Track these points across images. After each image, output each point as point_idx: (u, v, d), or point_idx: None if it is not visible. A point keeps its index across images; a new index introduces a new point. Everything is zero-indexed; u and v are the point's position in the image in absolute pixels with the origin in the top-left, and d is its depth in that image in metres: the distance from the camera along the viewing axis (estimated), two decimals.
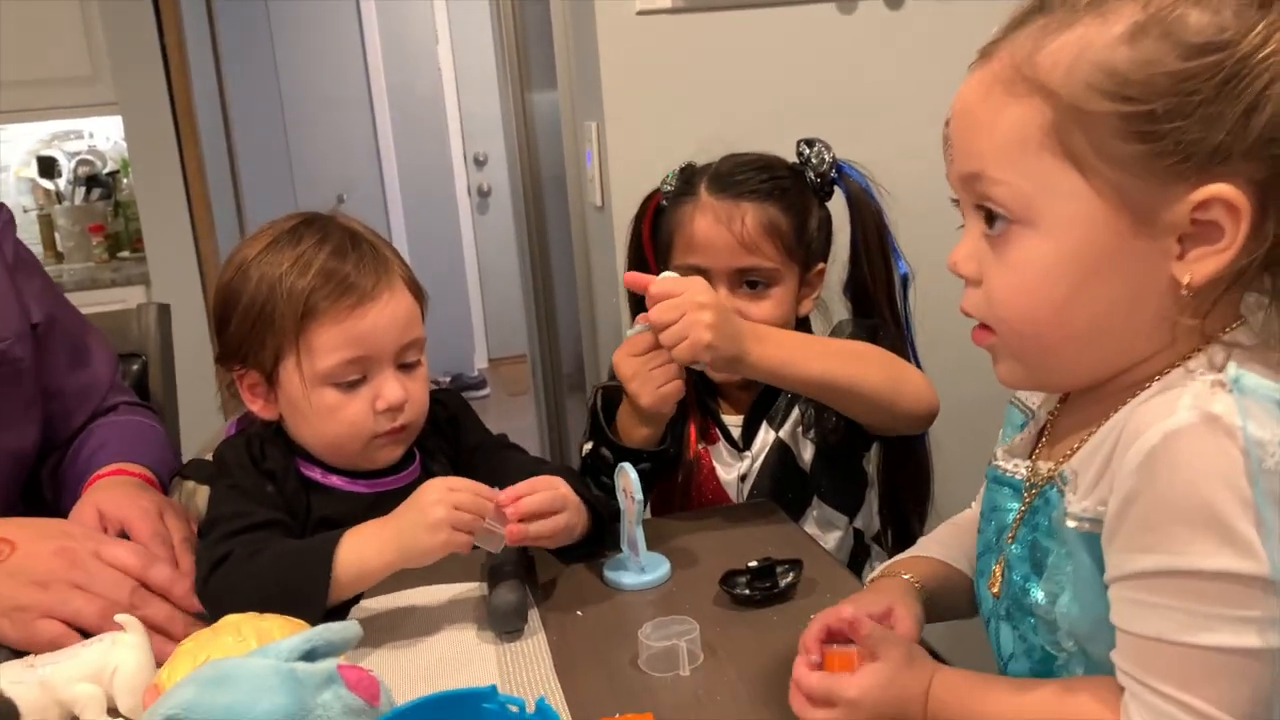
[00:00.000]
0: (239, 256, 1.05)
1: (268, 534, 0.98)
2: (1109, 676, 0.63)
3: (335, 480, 1.07)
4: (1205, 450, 0.56)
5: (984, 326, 0.70)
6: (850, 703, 0.70)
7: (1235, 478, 0.55)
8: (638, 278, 1.08)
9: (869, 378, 1.11)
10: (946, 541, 0.90)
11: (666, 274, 1.09)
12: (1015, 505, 0.74)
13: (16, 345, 1.14)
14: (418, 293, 1.09)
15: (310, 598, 0.91)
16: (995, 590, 0.74)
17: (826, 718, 0.71)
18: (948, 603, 0.85)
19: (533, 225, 2.82)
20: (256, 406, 1.07)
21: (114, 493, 1.05)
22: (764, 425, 1.28)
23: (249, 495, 1.03)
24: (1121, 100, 0.59)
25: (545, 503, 0.96)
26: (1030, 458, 0.75)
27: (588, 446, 1.21)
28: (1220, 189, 0.59)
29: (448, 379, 5.17)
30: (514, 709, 0.50)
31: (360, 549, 0.93)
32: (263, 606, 0.84)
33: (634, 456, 1.15)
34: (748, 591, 0.95)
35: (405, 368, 1.06)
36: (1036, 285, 0.65)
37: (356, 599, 0.98)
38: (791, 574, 0.96)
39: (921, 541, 0.92)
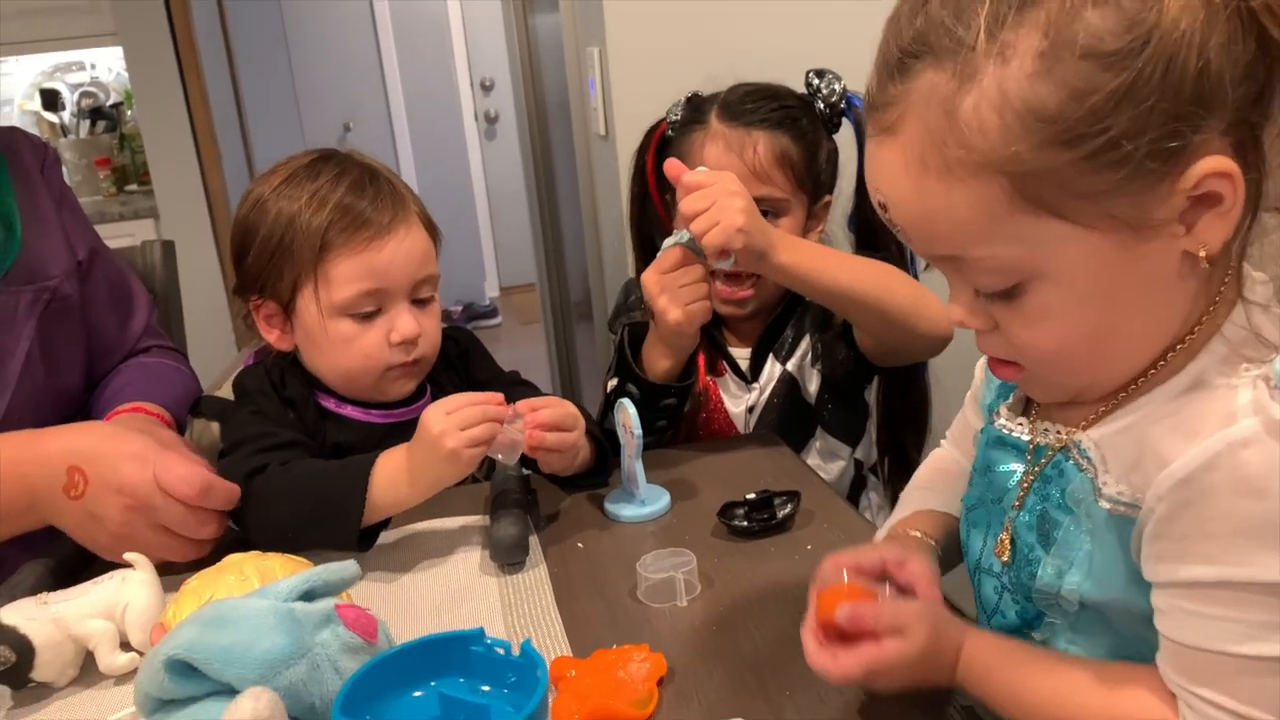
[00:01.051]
0: (256, 192, 1.07)
1: (296, 452, 1.01)
2: (1155, 670, 0.61)
3: (349, 410, 1.10)
4: (1273, 461, 0.54)
5: (1004, 362, 0.66)
6: (875, 675, 0.67)
7: None
8: (676, 164, 1.06)
9: (895, 294, 1.10)
10: (938, 489, 0.88)
11: (701, 169, 1.07)
12: (1018, 467, 0.72)
13: (67, 283, 1.15)
14: (432, 231, 1.10)
15: (347, 515, 0.93)
16: (1005, 559, 0.72)
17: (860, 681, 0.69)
18: (954, 553, 0.83)
19: (538, 154, 2.79)
20: (273, 337, 1.09)
21: (129, 427, 1.07)
22: (770, 358, 1.28)
23: (271, 419, 1.06)
24: (1074, 143, 0.54)
25: (559, 418, 0.98)
26: (1028, 416, 0.73)
27: (612, 383, 1.21)
28: (1206, 165, 0.55)
29: (459, 308, 5.18)
30: (500, 651, 0.51)
31: (393, 476, 0.95)
32: (299, 519, 0.88)
33: (660, 391, 1.16)
34: (745, 523, 0.96)
35: (419, 303, 1.08)
36: (1063, 327, 0.61)
37: (386, 523, 1.00)
38: (789, 505, 0.97)
39: (911, 492, 0.90)
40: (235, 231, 1.08)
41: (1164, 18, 0.52)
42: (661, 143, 1.33)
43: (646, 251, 1.44)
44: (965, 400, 0.88)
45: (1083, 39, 0.53)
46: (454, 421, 0.92)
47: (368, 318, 1.04)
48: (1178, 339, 0.62)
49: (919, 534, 0.81)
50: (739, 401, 1.30)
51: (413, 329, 1.05)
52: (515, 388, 1.17)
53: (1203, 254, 0.57)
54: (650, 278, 1.09)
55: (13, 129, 1.22)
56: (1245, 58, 0.54)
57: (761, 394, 1.28)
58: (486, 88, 5.24)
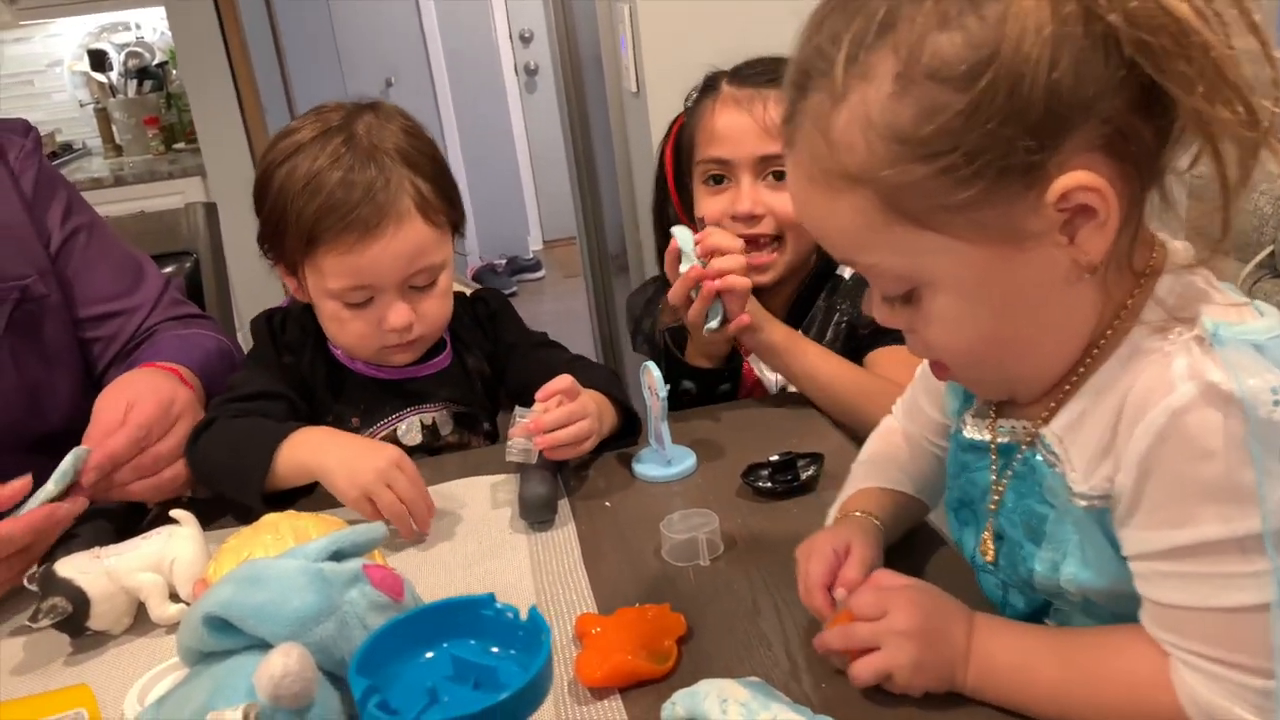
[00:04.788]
0: (280, 146, 1.06)
1: (259, 404, 1.04)
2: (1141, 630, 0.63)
3: (359, 365, 1.12)
4: (1213, 423, 0.56)
5: (936, 361, 0.70)
6: (901, 634, 0.67)
7: (1242, 443, 0.55)
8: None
9: (863, 412, 1.09)
10: (879, 464, 0.88)
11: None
12: (986, 464, 0.74)
13: (39, 282, 1.13)
14: (439, 216, 1.06)
15: (248, 481, 0.97)
16: (990, 558, 0.74)
17: (875, 666, 0.68)
18: (899, 528, 0.85)
19: (574, 108, 2.78)
20: (292, 286, 1.12)
21: (136, 377, 1.07)
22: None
23: (264, 365, 1.09)
24: (929, 159, 0.57)
25: (563, 417, 0.98)
26: (990, 418, 0.74)
27: (667, 388, 1.21)
28: (1068, 181, 0.56)
29: (503, 261, 5.20)
30: (509, 615, 0.53)
31: (301, 451, 0.98)
32: (212, 480, 0.93)
33: (715, 376, 1.20)
34: (769, 484, 0.97)
35: (418, 288, 1.07)
36: (959, 329, 0.64)
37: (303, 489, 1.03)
38: (813, 467, 0.98)
39: (857, 468, 0.90)
40: (255, 186, 1.08)
41: (1008, 41, 0.54)
42: (680, 132, 1.33)
43: (666, 240, 1.44)
44: (916, 377, 0.88)
45: (932, 61, 0.55)
46: (394, 476, 0.93)
47: (359, 305, 1.05)
48: (1106, 325, 0.63)
49: (861, 514, 0.82)
50: (768, 374, 1.31)
51: (402, 320, 1.05)
52: (540, 350, 1.19)
53: (1085, 263, 0.59)
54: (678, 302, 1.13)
55: None
56: (1112, 71, 0.55)
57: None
58: (525, 39, 5.20)
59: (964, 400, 0.77)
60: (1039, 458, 0.68)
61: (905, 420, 0.90)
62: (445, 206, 1.08)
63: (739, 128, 1.20)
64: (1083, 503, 0.64)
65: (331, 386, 1.11)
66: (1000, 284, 0.61)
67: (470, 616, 0.54)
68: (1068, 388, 0.66)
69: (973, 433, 0.75)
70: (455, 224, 1.10)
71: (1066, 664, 0.65)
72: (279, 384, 1.07)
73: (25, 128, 1.20)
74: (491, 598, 0.53)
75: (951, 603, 0.70)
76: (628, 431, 1.10)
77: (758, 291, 1.31)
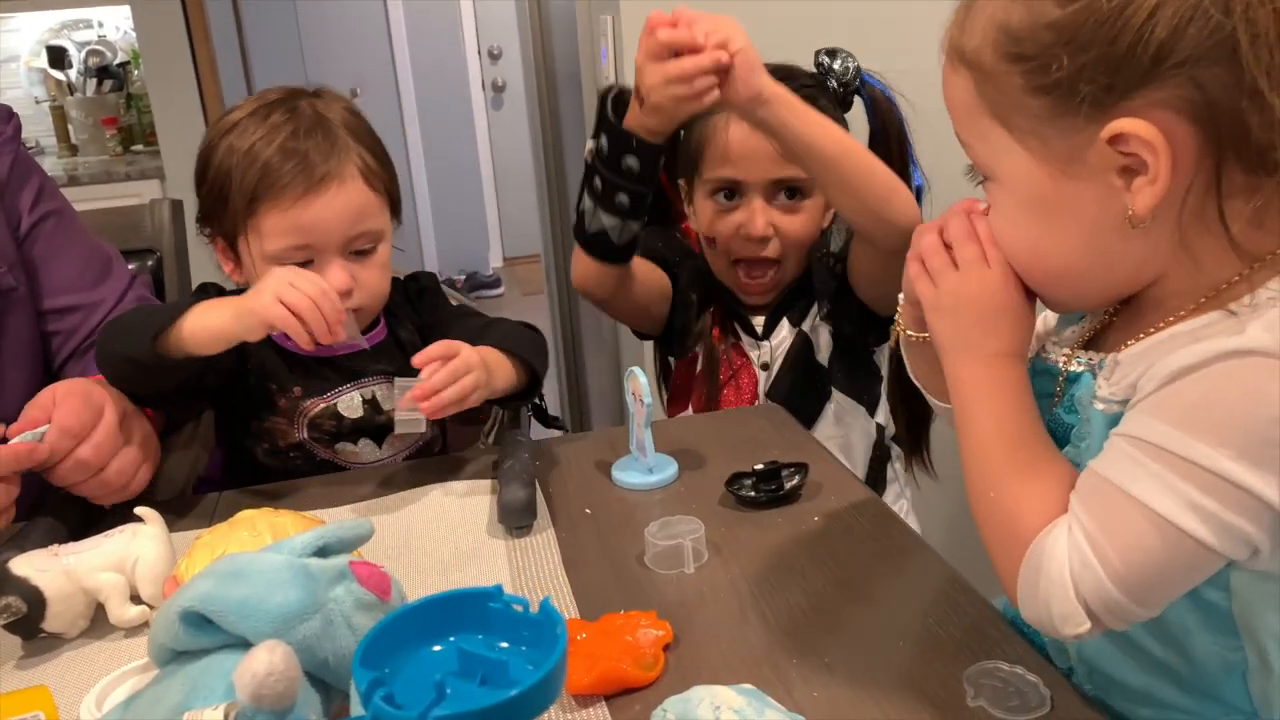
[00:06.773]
0: (220, 124, 1.09)
1: None
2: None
3: (293, 344, 1.09)
4: (1267, 374, 0.56)
5: None
6: (964, 290, 0.71)
7: None
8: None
9: (874, 172, 1.10)
10: None
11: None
12: (1049, 391, 0.75)
13: (8, 275, 1.11)
14: (381, 185, 1.10)
15: (146, 329, 0.96)
16: None
17: (934, 264, 0.73)
18: None
19: (547, 124, 2.78)
20: (228, 269, 1.13)
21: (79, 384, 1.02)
22: (785, 321, 1.30)
23: None
24: (1016, 59, 0.62)
25: (445, 378, 0.98)
26: (1075, 348, 0.76)
27: (589, 145, 1.17)
28: (1123, 124, 0.59)
29: (462, 278, 5.17)
30: (518, 608, 0.51)
31: (205, 310, 0.98)
32: (114, 343, 0.97)
33: (624, 140, 1.10)
34: (753, 493, 0.96)
35: (359, 254, 1.08)
36: (1008, 231, 0.70)
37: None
38: (797, 477, 0.97)
39: None
40: (197, 161, 1.10)
41: None
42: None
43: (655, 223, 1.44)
44: None
45: None
46: (291, 276, 0.95)
47: (299, 267, 1.04)
48: (1198, 293, 0.64)
49: None
50: (755, 358, 1.31)
51: (342, 283, 1.05)
52: (463, 318, 1.20)
53: (1129, 214, 0.62)
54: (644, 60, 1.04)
55: None
56: (1215, 42, 0.57)
57: (774, 352, 1.30)
58: (494, 56, 5.20)
59: (1064, 322, 0.79)
60: (1090, 375, 0.70)
61: None
62: (387, 177, 1.11)
63: (753, 150, 1.20)
64: (1101, 405, 0.66)
65: (269, 362, 1.10)
66: (1051, 204, 0.65)
67: (476, 609, 0.51)
68: (1153, 330, 0.67)
69: (1048, 356, 0.77)
70: (395, 201, 1.12)
71: (1005, 459, 0.68)
72: None
73: (8, 114, 1.19)
74: (499, 589, 0.51)
75: (1013, 327, 0.71)
76: (530, 390, 1.11)
77: (748, 309, 1.33)
